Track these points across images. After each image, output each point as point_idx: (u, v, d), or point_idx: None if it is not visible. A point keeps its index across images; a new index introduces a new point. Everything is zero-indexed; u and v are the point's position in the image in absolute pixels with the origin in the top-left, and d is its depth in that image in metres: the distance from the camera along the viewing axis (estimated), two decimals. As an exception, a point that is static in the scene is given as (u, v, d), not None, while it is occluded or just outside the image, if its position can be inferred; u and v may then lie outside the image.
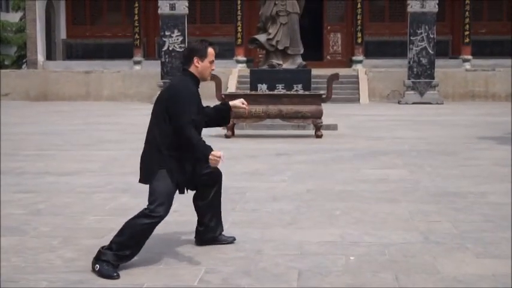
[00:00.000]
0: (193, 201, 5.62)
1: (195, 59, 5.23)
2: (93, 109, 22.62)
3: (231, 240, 5.70)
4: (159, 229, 6.03)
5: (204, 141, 5.08)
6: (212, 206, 5.60)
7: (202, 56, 5.23)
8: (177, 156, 5.10)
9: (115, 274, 4.83)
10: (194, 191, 5.52)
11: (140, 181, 5.24)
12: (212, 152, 4.97)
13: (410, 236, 5.92)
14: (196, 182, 5.37)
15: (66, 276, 4.86)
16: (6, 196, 7.79)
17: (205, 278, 4.81)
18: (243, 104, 5.58)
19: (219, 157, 4.98)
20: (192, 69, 5.25)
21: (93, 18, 31.50)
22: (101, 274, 4.84)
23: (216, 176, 5.52)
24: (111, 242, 5.01)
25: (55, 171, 9.62)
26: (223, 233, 5.73)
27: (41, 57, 29.75)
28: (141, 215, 5.02)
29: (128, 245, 4.98)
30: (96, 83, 27.76)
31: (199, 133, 5.21)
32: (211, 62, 5.28)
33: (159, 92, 5.48)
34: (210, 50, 5.26)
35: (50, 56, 30.57)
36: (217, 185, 5.56)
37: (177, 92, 5.12)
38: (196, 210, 5.65)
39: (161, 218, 5.02)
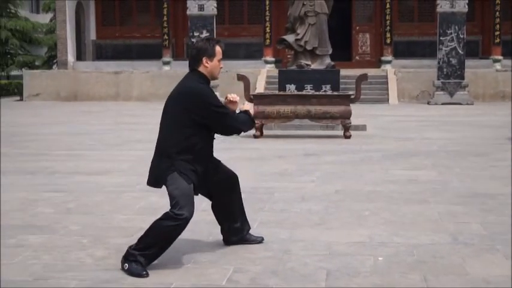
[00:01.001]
0: (212, 210, 5.62)
1: (204, 59, 5.18)
2: (123, 109, 22.76)
3: (260, 240, 5.70)
4: (188, 228, 6.06)
5: (237, 115, 5.28)
6: (233, 213, 5.58)
7: (211, 55, 5.18)
8: (188, 159, 5.08)
9: (144, 273, 4.86)
10: (209, 199, 5.49)
11: (148, 183, 5.29)
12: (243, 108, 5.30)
13: (439, 237, 5.89)
14: (209, 187, 5.33)
15: (95, 274, 4.90)
16: (36, 195, 7.88)
17: (233, 277, 4.82)
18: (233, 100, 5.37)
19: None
20: (201, 69, 5.20)
21: (122, 19, 31.70)
22: (131, 273, 4.87)
23: (232, 183, 5.49)
24: (138, 241, 5.04)
25: (85, 171, 9.71)
26: (251, 231, 5.73)
27: (71, 57, 30.01)
28: (166, 217, 4.99)
29: (153, 245, 4.98)
30: (125, 84, 27.94)
31: (213, 136, 5.24)
32: (220, 61, 5.24)
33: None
34: (218, 49, 5.21)
35: (80, 56, 30.83)
36: (234, 192, 5.53)
37: (205, 97, 5.11)
38: (216, 218, 5.63)
39: (186, 219, 4.97)
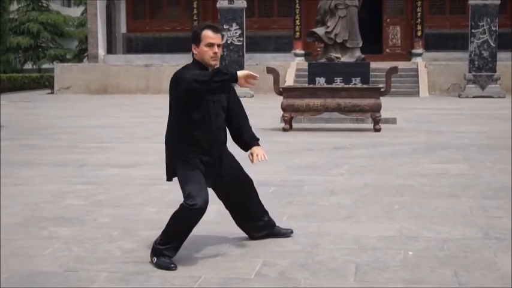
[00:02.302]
0: (227, 209, 5.60)
1: (193, 46, 5.11)
2: (153, 102, 22.84)
3: (289, 234, 5.67)
4: (215, 221, 6.08)
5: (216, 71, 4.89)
6: (253, 213, 5.54)
7: (196, 41, 5.06)
8: (187, 148, 5.08)
9: (172, 266, 4.87)
10: (213, 190, 5.38)
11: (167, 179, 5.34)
12: (240, 72, 4.85)
13: (470, 232, 5.83)
14: (215, 180, 5.23)
15: (125, 266, 4.92)
16: (67, 187, 7.94)
17: (262, 271, 4.82)
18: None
19: (249, 76, 4.85)
20: (195, 57, 5.14)
21: (152, 12, 31.81)
22: (159, 266, 4.88)
23: (248, 188, 5.44)
24: (160, 236, 5.05)
25: (115, 163, 9.76)
26: (280, 225, 5.72)
27: (101, 51, 30.19)
28: (181, 209, 4.94)
29: (174, 238, 4.98)
30: (155, 77, 28.03)
31: (215, 123, 5.12)
32: (210, 45, 5.01)
33: None
34: (205, 33, 5.04)
35: (110, 49, 31.00)
36: (251, 195, 5.47)
37: (176, 76, 5.01)
38: (233, 218, 5.59)
39: (201, 208, 4.87)
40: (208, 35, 5.03)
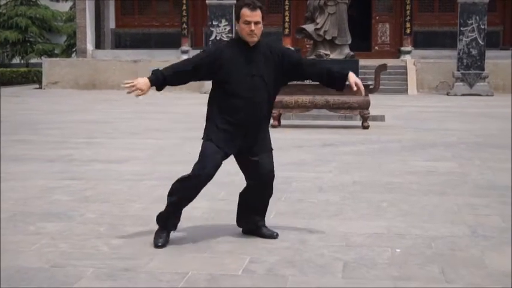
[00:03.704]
0: (239, 196, 5.64)
1: (236, 23, 5.35)
2: (141, 98, 22.75)
3: (275, 236, 5.55)
4: (205, 217, 6.07)
5: (170, 71, 5.30)
6: (256, 208, 5.59)
7: (237, 18, 5.27)
8: (211, 120, 5.30)
9: (159, 243, 5.20)
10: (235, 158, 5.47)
11: None
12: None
13: (457, 229, 5.84)
14: (239, 149, 5.31)
15: (112, 262, 4.90)
16: (54, 183, 7.91)
17: (249, 267, 4.80)
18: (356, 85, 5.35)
19: (128, 83, 5.44)
20: (238, 32, 5.34)
21: (141, 8, 31.74)
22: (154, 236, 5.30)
23: (268, 181, 5.46)
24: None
25: (103, 159, 9.73)
26: (267, 224, 5.70)
27: (90, 46, 30.11)
28: (187, 174, 5.23)
29: (174, 201, 5.28)
30: (144, 72, 27.63)
31: (252, 97, 5.20)
32: (247, 23, 5.16)
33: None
34: (243, 11, 5.19)
35: (99, 45, 30.92)
36: (266, 189, 5.52)
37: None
38: (239, 204, 5.65)
39: (199, 176, 5.15)
40: (245, 13, 5.19)
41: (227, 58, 5.20)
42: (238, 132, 5.24)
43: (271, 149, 5.52)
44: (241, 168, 5.48)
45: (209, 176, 5.19)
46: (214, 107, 5.29)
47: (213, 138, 5.22)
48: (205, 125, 5.34)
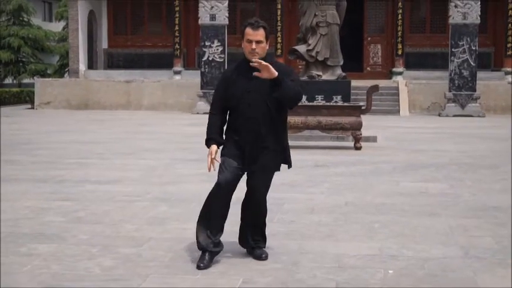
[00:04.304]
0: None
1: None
2: (134, 118, 22.80)
3: (263, 258, 5.55)
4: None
5: (213, 131, 5.45)
6: (254, 225, 5.64)
7: (242, 36, 5.36)
8: (227, 134, 5.48)
9: (200, 265, 5.24)
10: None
11: None
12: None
13: (450, 251, 5.85)
14: (246, 168, 5.43)
15: (104, 284, 4.88)
16: (46, 204, 7.88)
17: (242, 289, 4.80)
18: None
19: (210, 156, 5.35)
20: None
21: (134, 28, 31.81)
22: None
23: (252, 189, 5.51)
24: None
25: (95, 180, 9.71)
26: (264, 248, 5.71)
27: (82, 66, 30.11)
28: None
29: (204, 212, 5.40)
30: (136, 92, 27.99)
31: (248, 113, 5.31)
32: (249, 41, 5.29)
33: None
34: (246, 30, 5.32)
35: (91, 65, 30.93)
36: (251, 208, 5.58)
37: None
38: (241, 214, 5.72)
39: (217, 184, 5.31)
40: (247, 32, 5.32)
41: (233, 78, 5.37)
42: (241, 148, 5.35)
43: (272, 169, 5.55)
44: None
45: (227, 182, 5.28)
46: (227, 126, 5.49)
47: (226, 153, 5.40)
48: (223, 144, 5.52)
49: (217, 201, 5.33)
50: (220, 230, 5.40)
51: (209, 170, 5.35)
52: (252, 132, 5.33)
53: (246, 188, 5.54)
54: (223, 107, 5.45)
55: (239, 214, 5.69)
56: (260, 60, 5.14)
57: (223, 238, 5.57)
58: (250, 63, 5.18)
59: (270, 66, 5.14)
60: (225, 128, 5.50)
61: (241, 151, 5.36)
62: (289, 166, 5.69)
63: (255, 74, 5.15)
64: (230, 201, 5.40)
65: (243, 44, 5.34)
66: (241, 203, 5.63)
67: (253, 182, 5.46)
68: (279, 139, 5.50)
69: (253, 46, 5.27)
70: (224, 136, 5.49)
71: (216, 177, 5.35)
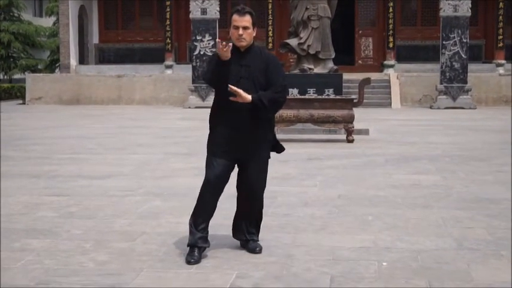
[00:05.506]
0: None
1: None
2: (125, 113, 22.74)
3: (257, 251, 5.55)
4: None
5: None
6: (243, 218, 5.64)
7: (231, 24, 5.33)
8: (213, 123, 5.43)
9: (191, 261, 5.20)
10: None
11: None
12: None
13: (443, 243, 5.86)
14: (236, 157, 5.40)
15: (98, 279, 4.87)
16: (39, 199, 7.86)
17: (236, 282, 4.79)
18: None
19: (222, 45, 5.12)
20: None
21: (125, 23, 31.74)
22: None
23: (249, 181, 5.50)
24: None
25: (87, 175, 9.68)
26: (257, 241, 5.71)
27: (73, 61, 30.03)
28: None
29: (195, 209, 5.39)
30: (127, 87, 27.94)
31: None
32: (235, 28, 5.26)
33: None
34: (233, 17, 5.31)
35: (82, 60, 30.85)
36: (249, 201, 5.59)
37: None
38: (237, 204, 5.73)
39: (206, 180, 5.31)
40: (234, 18, 5.31)
41: (221, 63, 5.25)
42: (229, 135, 5.31)
43: (265, 159, 5.52)
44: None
45: (216, 177, 5.27)
46: (213, 113, 5.43)
47: (213, 150, 5.36)
48: (209, 134, 5.49)
49: (207, 197, 5.33)
50: (208, 225, 5.42)
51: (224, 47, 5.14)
52: (241, 119, 5.29)
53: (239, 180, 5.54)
54: (216, 80, 5.34)
55: (231, 208, 5.68)
56: (234, 88, 5.16)
57: (217, 231, 5.57)
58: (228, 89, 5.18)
59: (243, 94, 5.18)
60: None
61: (229, 139, 5.31)
62: (282, 150, 5.66)
63: (231, 98, 5.19)
64: (220, 195, 5.39)
65: (231, 31, 5.32)
66: (235, 196, 5.62)
67: (250, 175, 5.45)
68: (268, 126, 5.51)
69: (240, 32, 5.25)
70: (211, 122, 5.44)
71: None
